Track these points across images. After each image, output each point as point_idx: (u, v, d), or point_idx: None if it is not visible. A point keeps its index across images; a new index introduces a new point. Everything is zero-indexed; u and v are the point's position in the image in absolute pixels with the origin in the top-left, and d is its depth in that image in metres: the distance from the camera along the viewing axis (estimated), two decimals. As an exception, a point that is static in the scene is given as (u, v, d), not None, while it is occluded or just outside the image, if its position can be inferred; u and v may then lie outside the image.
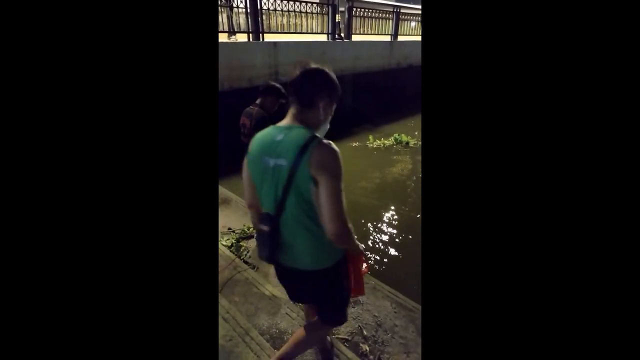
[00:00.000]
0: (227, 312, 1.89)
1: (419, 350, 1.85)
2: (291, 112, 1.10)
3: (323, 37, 7.12)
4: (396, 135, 6.69)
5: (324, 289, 1.24)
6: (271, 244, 1.14)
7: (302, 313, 2.01)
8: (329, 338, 1.74)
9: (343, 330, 1.98)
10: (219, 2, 5.48)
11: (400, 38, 8.88)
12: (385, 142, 6.54)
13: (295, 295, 1.43)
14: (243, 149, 2.32)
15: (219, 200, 3.57)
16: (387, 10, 8.50)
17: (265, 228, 1.12)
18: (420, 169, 5.51)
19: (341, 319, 1.42)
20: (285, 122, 1.10)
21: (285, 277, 1.31)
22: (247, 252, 2.72)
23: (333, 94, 1.11)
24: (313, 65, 1.10)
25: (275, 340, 1.82)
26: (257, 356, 1.62)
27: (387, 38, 8.69)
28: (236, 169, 2.40)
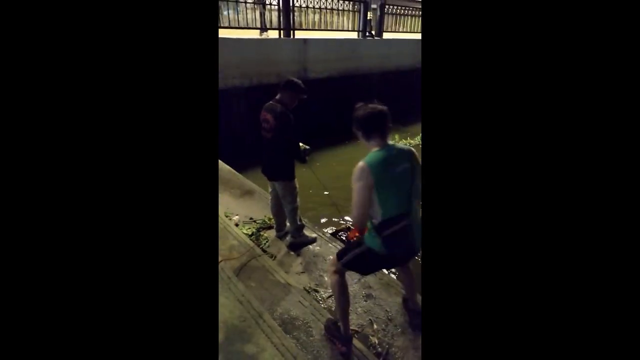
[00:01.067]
0: (243, 295, 1.98)
1: (428, 347, 1.85)
2: (374, 140, 1.50)
3: (354, 35, 7.11)
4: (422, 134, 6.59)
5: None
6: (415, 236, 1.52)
7: (314, 302, 2.07)
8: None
9: (354, 322, 2.02)
10: (253, 0, 5.62)
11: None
12: (411, 141, 6.47)
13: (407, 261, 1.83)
14: (264, 143, 2.42)
15: (244, 192, 3.69)
16: (419, 7, 8.34)
17: (404, 223, 1.47)
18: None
19: None
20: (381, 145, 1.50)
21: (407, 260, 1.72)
22: (267, 241, 2.82)
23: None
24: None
25: (287, 325, 1.89)
26: (268, 337, 1.69)
27: (419, 36, 8.53)
28: (259, 163, 2.49)
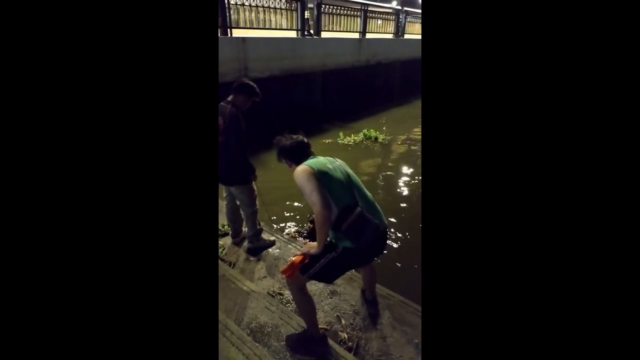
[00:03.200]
0: (206, 309, 1.88)
1: (395, 334, 1.94)
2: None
3: (292, 34, 7.10)
4: (365, 131, 6.83)
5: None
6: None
7: (281, 306, 2.04)
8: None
9: (322, 320, 2.03)
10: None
11: (368, 35, 9.03)
12: (355, 138, 6.67)
13: (371, 258, 1.94)
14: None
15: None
16: (355, 8, 8.61)
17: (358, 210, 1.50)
18: (388, 164, 5.68)
19: None
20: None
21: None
22: (223, 249, 2.70)
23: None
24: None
25: (256, 333, 1.84)
26: (238, 349, 1.63)
27: (356, 35, 8.81)
28: None
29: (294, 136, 1.65)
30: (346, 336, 1.94)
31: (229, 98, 2.28)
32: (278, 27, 6.84)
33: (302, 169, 1.48)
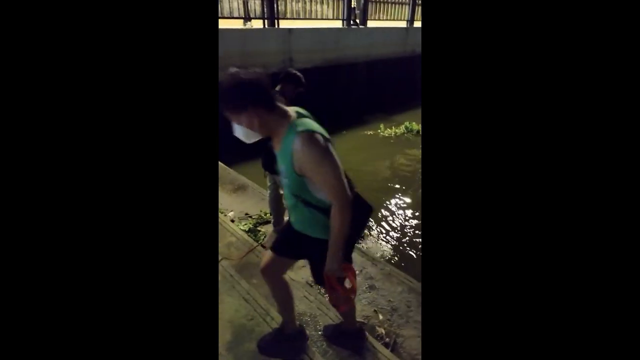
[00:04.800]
0: (248, 293, 1.96)
1: (434, 334, 1.89)
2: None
3: (338, 23, 7.02)
4: (407, 123, 6.64)
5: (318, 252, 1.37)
6: None
7: (319, 296, 2.07)
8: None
9: (359, 313, 2.04)
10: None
11: (416, 24, 8.69)
12: (397, 130, 6.51)
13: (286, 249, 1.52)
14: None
15: (236, 187, 3.63)
16: (403, -5, 8.31)
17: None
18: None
19: None
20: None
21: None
22: (264, 236, 2.79)
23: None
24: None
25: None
26: (278, 335, 1.68)
27: (403, 24, 8.51)
28: (251, 156, 2.41)
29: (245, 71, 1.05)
30: (383, 332, 1.93)
31: (277, 88, 2.33)
32: (324, 17, 6.80)
33: (311, 138, 1.05)
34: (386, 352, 1.72)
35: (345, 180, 1.10)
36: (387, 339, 1.88)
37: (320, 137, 1.07)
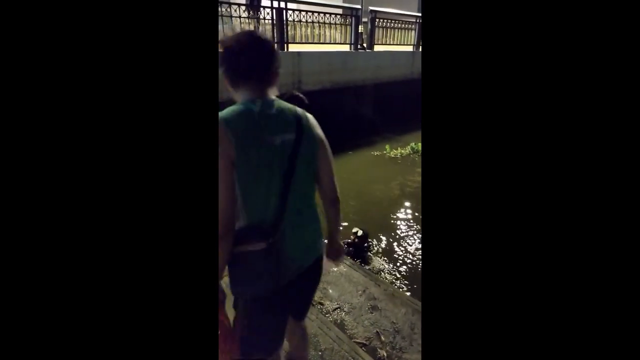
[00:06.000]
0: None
1: (437, 358, 1.84)
2: (248, 86, 0.92)
3: (346, 47, 7.23)
4: (412, 144, 6.70)
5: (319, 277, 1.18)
6: (277, 261, 0.92)
7: (320, 316, 2.05)
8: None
9: (361, 335, 2.00)
10: (248, 15, 5.70)
11: (422, 48, 8.87)
12: (403, 151, 6.57)
13: (300, 305, 1.23)
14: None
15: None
16: (409, 21, 8.55)
17: (262, 245, 0.88)
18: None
19: None
20: (249, 97, 0.92)
21: (291, 287, 1.04)
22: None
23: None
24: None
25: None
26: (277, 354, 1.66)
27: (410, 48, 8.72)
28: None
29: (249, 33, 0.92)
30: (385, 354, 1.89)
31: None
32: (332, 41, 7.02)
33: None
34: (387, 374, 1.68)
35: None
36: (389, 362, 1.84)
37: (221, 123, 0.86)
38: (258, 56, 0.90)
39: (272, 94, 0.96)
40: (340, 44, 7.18)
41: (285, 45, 6.04)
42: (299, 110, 0.98)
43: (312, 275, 1.13)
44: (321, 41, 6.82)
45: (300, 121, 0.94)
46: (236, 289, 0.97)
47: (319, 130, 1.02)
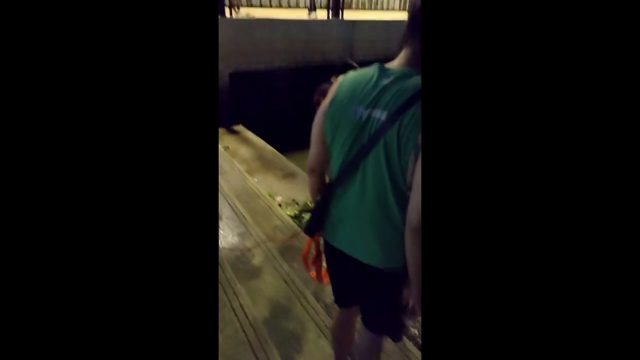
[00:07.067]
0: (287, 275, 2.05)
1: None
2: (407, 52, 0.83)
3: (403, 15, 6.82)
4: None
5: (389, 291, 0.98)
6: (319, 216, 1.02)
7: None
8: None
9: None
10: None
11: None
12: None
13: (345, 294, 1.20)
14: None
15: (286, 173, 3.76)
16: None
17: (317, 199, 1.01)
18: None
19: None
20: (397, 64, 0.84)
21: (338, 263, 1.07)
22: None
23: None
24: None
25: (329, 308, 1.93)
26: (311, 318, 1.75)
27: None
28: (303, 145, 2.47)
29: None
30: (417, 332, 1.90)
31: (333, 79, 2.35)
32: (389, 8, 6.63)
33: None
34: (418, 354, 1.70)
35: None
36: (420, 340, 1.85)
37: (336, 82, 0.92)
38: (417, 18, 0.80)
39: (401, 63, 0.84)
40: (399, 10, 6.77)
41: (341, 12, 5.83)
42: (418, 92, 0.77)
43: (367, 280, 1.00)
44: (379, 7, 6.48)
45: (410, 105, 0.76)
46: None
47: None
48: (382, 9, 6.51)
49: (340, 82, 0.89)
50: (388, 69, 0.83)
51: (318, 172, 1.02)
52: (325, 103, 0.91)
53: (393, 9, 6.68)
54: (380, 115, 0.80)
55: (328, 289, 2.04)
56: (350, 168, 0.87)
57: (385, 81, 0.81)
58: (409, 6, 0.84)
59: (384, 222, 0.86)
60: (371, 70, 0.85)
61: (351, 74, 0.89)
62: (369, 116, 0.82)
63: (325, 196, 0.98)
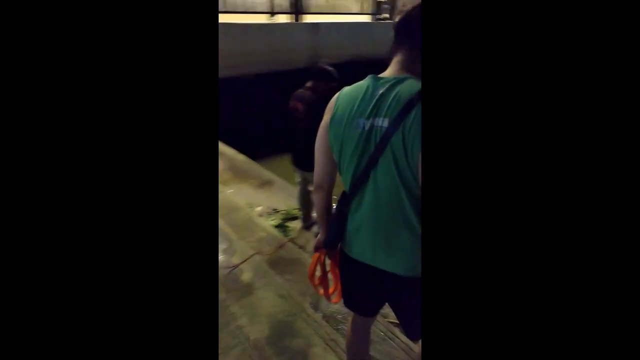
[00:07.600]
0: (282, 289, 1.96)
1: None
2: (399, 59, 0.86)
3: (362, 19, 6.95)
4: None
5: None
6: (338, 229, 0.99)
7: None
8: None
9: (393, 316, 2.00)
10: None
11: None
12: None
13: (367, 306, 1.14)
14: (295, 133, 2.35)
15: (263, 182, 3.64)
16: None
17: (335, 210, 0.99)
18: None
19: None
20: (389, 72, 0.88)
21: (362, 277, 1.01)
22: (292, 232, 2.79)
23: None
24: None
25: (330, 319, 1.87)
26: (315, 332, 1.68)
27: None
28: (277, 151, 2.40)
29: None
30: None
31: (308, 84, 2.31)
32: (346, 12, 6.74)
33: None
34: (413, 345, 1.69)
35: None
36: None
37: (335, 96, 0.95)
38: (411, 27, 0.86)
39: (393, 72, 0.88)
40: (357, 14, 6.89)
41: (300, 16, 5.81)
42: (415, 95, 0.78)
43: (397, 289, 0.97)
44: (336, 11, 6.55)
45: (406, 108, 0.78)
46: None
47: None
48: (339, 12, 6.57)
49: (337, 98, 0.92)
50: (381, 78, 0.86)
51: (326, 189, 1.03)
52: (326, 120, 0.93)
53: (351, 13, 6.77)
54: (382, 122, 0.81)
55: (324, 299, 1.99)
56: (361, 179, 0.88)
57: (381, 90, 0.83)
58: (397, 15, 0.93)
59: (403, 228, 0.87)
60: (365, 83, 0.88)
61: (346, 89, 0.92)
62: (372, 125, 0.83)
63: (341, 209, 0.98)
